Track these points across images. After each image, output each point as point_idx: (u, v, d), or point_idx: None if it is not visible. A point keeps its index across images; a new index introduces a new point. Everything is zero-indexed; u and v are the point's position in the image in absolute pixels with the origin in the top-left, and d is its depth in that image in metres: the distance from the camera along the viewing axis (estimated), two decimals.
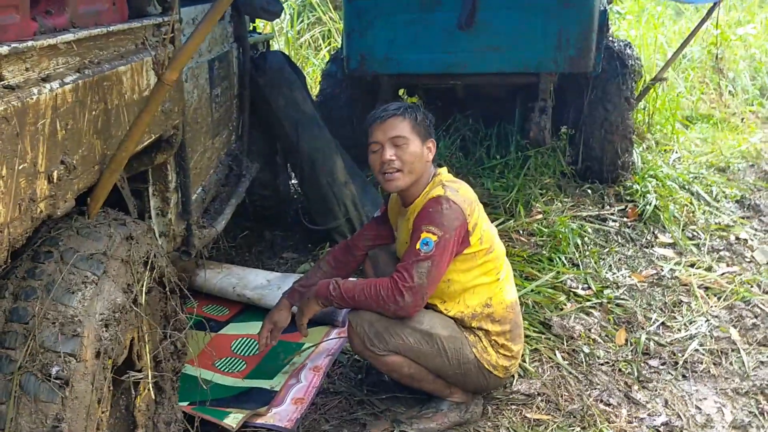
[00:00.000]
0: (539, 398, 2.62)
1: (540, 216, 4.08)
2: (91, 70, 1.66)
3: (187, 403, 2.38)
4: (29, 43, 1.39)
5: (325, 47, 8.11)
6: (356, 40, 4.57)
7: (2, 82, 1.32)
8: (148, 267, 1.85)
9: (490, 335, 2.42)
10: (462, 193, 2.38)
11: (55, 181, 1.48)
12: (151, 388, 1.94)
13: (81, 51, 1.65)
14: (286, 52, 7.14)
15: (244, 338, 3.04)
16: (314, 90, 5.61)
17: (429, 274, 2.26)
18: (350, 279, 2.48)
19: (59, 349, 1.46)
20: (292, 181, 4.66)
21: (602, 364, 2.87)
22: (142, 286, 1.79)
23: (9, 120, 1.28)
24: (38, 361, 1.44)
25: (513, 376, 2.69)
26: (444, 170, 2.53)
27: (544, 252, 3.70)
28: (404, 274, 2.28)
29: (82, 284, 1.55)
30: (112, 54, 1.84)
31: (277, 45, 7.57)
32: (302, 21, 8.36)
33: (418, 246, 2.27)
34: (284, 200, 4.35)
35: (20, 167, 1.34)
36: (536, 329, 3.05)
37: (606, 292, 3.42)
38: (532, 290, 3.31)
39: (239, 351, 2.96)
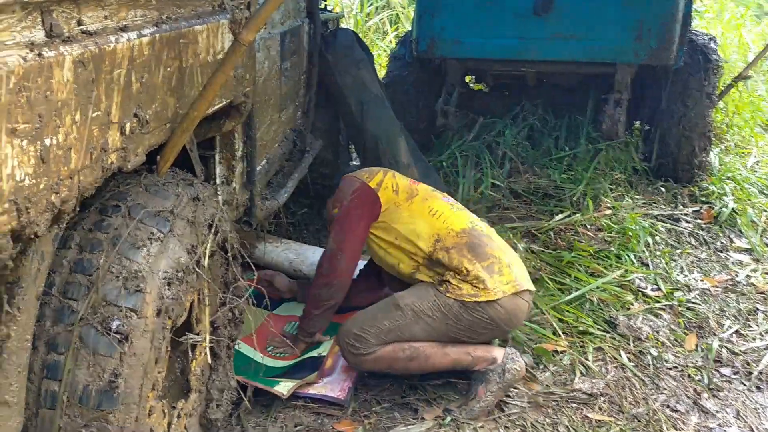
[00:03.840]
0: (602, 399, 2.50)
1: (609, 211, 3.92)
2: (168, 26, 1.63)
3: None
4: None
5: (393, 32, 8.03)
6: (427, 22, 4.48)
7: (81, 27, 1.29)
8: (213, 230, 1.82)
9: (455, 273, 2.38)
10: (359, 171, 2.72)
11: (127, 133, 1.45)
12: (207, 353, 1.92)
13: (159, 5, 1.63)
14: None
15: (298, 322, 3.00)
16: (381, 73, 5.54)
17: (337, 239, 2.50)
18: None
19: (121, 303, 1.44)
20: (354, 162, 4.62)
21: (670, 369, 2.72)
22: (206, 248, 1.77)
23: (86, 65, 1.26)
24: (99, 314, 1.42)
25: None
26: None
27: (612, 249, 3.54)
28: (321, 258, 2.58)
29: (148, 240, 1.53)
30: (189, 12, 1.81)
31: (345, 26, 7.54)
32: (371, 4, 8.30)
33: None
34: None
35: (94, 115, 1.31)
36: (600, 327, 2.93)
37: (676, 294, 3.25)
38: (597, 287, 3.17)
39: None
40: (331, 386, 2.46)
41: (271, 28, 2.80)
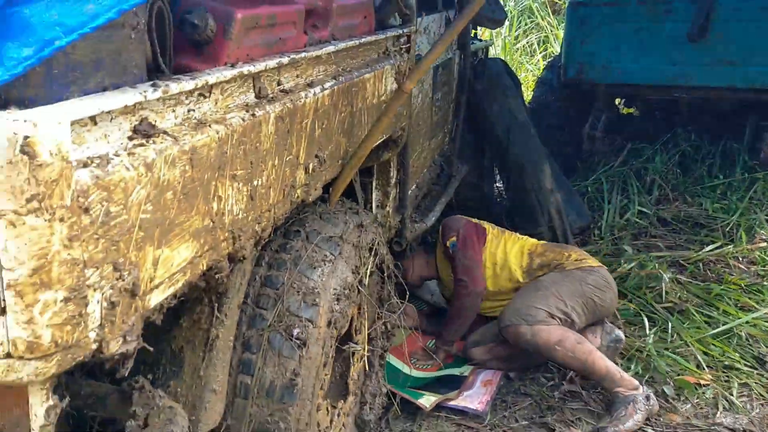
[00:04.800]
0: None
1: (764, 244, 3.76)
2: (344, 77, 1.90)
3: None
4: (302, 54, 1.64)
5: (540, 53, 8.08)
6: (576, 48, 4.55)
7: (280, 87, 1.58)
8: (372, 253, 2.08)
9: (559, 260, 2.92)
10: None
11: (310, 171, 1.73)
12: (365, 360, 2.17)
13: (337, 60, 1.90)
14: (502, 57, 7.24)
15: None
16: (527, 96, 5.64)
17: (466, 255, 2.91)
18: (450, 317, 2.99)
19: (301, 314, 1.71)
20: (498, 184, 4.76)
21: None
22: (367, 269, 2.02)
23: (284, 119, 1.54)
24: (284, 322, 1.70)
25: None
26: None
27: (764, 283, 3.42)
28: (458, 276, 2.90)
29: (322, 261, 1.80)
30: (360, 63, 2.08)
31: (493, 50, 7.69)
32: (520, 26, 8.39)
33: (451, 253, 2.95)
34: (489, 203, 4.47)
35: (287, 158, 1.60)
36: (748, 363, 2.86)
37: None
38: (747, 322, 3.09)
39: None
40: (471, 399, 2.64)
41: None
